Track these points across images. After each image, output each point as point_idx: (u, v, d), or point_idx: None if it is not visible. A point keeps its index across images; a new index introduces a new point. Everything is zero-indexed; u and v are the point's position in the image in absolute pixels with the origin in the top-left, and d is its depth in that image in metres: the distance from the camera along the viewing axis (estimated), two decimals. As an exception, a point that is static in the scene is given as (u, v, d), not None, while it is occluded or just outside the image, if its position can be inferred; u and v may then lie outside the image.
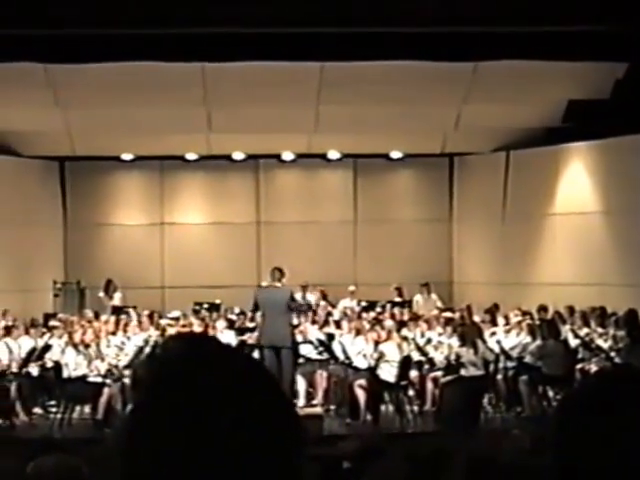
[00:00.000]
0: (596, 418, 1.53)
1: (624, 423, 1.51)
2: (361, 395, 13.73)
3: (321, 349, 14.71)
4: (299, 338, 14.45)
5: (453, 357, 13.72)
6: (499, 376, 14.30)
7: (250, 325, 15.88)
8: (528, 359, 14.24)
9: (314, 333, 15.19)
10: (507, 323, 15.65)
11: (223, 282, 19.17)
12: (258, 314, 14.23)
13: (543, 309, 15.85)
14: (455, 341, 14.07)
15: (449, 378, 13.61)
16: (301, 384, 14.31)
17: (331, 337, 15.03)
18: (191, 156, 19.94)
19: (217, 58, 15.30)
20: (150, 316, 16.28)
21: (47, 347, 14.26)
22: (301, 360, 14.37)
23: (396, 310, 17.32)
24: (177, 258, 20.21)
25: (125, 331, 15.46)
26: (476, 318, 15.98)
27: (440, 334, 15.24)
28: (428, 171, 20.57)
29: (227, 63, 15.46)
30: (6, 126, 17.86)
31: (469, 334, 13.59)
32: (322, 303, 17.61)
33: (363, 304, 17.97)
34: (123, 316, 16.36)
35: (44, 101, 16.76)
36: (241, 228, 20.35)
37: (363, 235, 20.39)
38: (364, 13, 13.50)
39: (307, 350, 14.72)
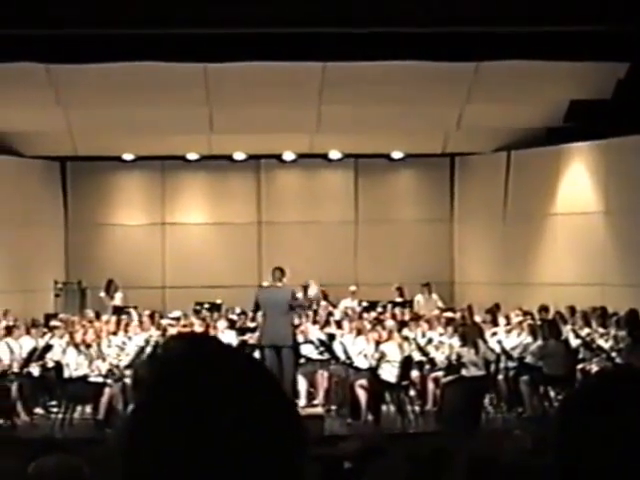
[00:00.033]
0: (597, 418, 1.53)
1: (625, 423, 1.51)
2: (362, 395, 13.73)
3: (322, 349, 14.71)
4: (300, 338, 14.46)
5: (454, 357, 13.72)
6: (500, 376, 14.30)
7: (251, 325, 15.89)
8: (529, 359, 14.24)
9: (315, 333, 15.18)
10: (508, 323, 15.65)
11: (224, 282, 19.17)
12: (259, 314, 14.23)
13: (544, 309, 15.85)
14: (456, 341, 14.08)
15: (450, 378, 13.62)
16: (302, 384, 14.31)
17: (332, 337, 15.03)
18: (192, 156, 19.95)
19: (218, 58, 15.30)
20: (151, 316, 16.28)
21: (48, 347, 14.27)
22: (302, 360, 14.37)
23: (397, 310, 17.31)
24: (178, 258, 20.22)
25: (126, 331, 15.45)
26: (477, 318, 15.97)
27: (441, 334, 15.24)
28: (429, 171, 20.57)
29: (229, 63, 15.46)
30: (7, 126, 17.87)
31: (470, 334, 13.59)
32: (323, 303, 17.61)
33: (364, 304, 17.96)
34: (124, 316, 16.36)
35: (45, 101, 16.77)
36: (242, 228, 20.35)
37: (364, 235, 20.39)
38: (364, 13, 13.50)
39: (308, 350, 14.72)
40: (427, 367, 14.55)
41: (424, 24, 13.90)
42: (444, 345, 14.66)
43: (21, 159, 19.01)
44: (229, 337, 14.97)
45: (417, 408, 14.09)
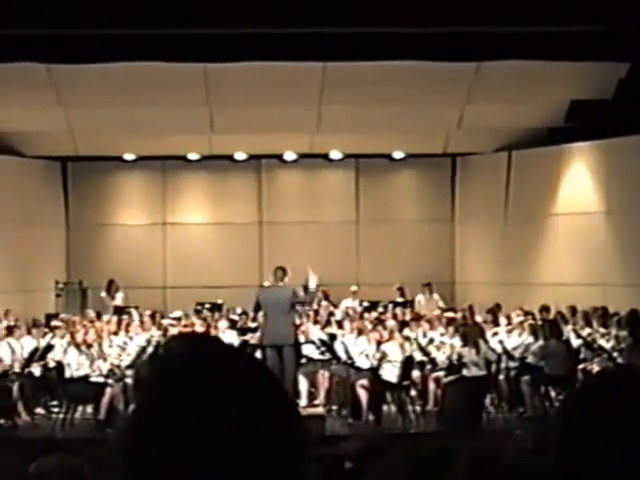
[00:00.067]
0: (598, 418, 1.53)
1: (626, 423, 1.51)
2: (363, 395, 13.73)
3: (323, 349, 14.71)
4: (301, 338, 14.46)
5: (455, 357, 13.72)
6: (501, 376, 14.29)
7: (252, 325, 15.88)
8: (530, 359, 14.23)
9: (316, 333, 15.18)
10: (509, 323, 15.64)
11: (225, 282, 19.18)
12: (260, 314, 14.22)
13: (545, 309, 15.85)
14: (457, 341, 14.08)
15: (451, 378, 13.62)
16: (303, 384, 14.31)
17: (333, 337, 15.03)
18: (193, 156, 19.95)
19: (219, 58, 15.30)
20: (152, 316, 16.28)
21: (49, 347, 14.27)
22: (303, 360, 14.38)
23: (398, 310, 17.31)
24: (179, 258, 20.22)
25: (127, 331, 15.45)
26: (478, 318, 15.96)
27: (442, 334, 15.24)
28: (430, 171, 20.57)
29: (229, 63, 15.47)
30: (8, 126, 17.87)
31: (471, 334, 13.58)
32: (324, 303, 17.60)
33: (365, 304, 17.96)
34: (125, 316, 16.36)
35: (46, 101, 16.78)
36: (243, 228, 20.35)
37: (365, 235, 20.39)
38: (364, 13, 13.49)
39: (309, 350, 14.72)
40: (428, 367, 14.55)
41: (424, 24, 13.89)
42: (445, 345, 14.66)
43: (22, 159, 19.02)
44: (230, 337, 14.97)
45: (418, 408, 14.08)
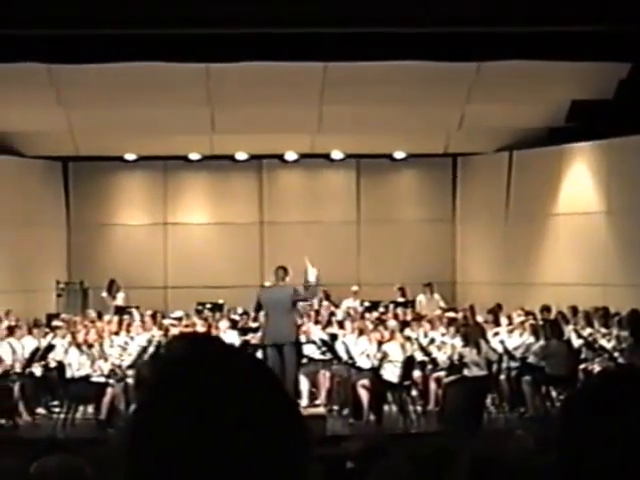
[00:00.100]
0: (599, 418, 1.53)
1: (627, 423, 1.51)
2: (364, 395, 13.73)
3: (324, 349, 14.70)
4: (302, 338, 14.45)
5: (456, 357, 13.72)
6: (502, 376, 14.29)
7: (253, 325, 15.88)
8: (531, 359, 14.23)
9: (317, 333, 15.18)
10: (510, 323, 15.64)
11: (226, 282, 19.18)
12: (261, 314, 14.22)
13: (546, 309, 15.85)
14: (458, 341, 14.08)
15: (452, 378, 13.61)
16: (304, 384, 14.31)
17: (334, 337, 15.03)
18: (194, 156, 19.95)
19: (220, 59, 15.30)
20: (153, 316, 16.28)
21: (50, 347, 14.27)
22: (304, 360, 14.37)
23: (399, 310, 17.31)
24: (180, 258, 20.22)
25: (128, 331, 15.46)
26: (479, 318, 15.97)
27: (443, 334, 15.24)
28: (431, 171, 20.57)
29: (230, 64, 15.47)
30: (9, 126, 17.87)
31: (472, 334, 13.58)
32: (325, 303, 17.60)
33: (366, 304, 17.95)
34: (126, 316, 16.36)
35: (47, 101, 16.78)
36: (244, 228, 20.35)
37: (366, 235, 20.38)
38: (364, 13, 13.49)
39: (310, 350, 14.72)
40: (429, 367, 14.55)
41: (424, 24, 13.89)
42: (446, 345, 14.66)
43: (23, 159, 19.02)
44: (231, 337, 14.97)
45: (419, 408, 14.09)
